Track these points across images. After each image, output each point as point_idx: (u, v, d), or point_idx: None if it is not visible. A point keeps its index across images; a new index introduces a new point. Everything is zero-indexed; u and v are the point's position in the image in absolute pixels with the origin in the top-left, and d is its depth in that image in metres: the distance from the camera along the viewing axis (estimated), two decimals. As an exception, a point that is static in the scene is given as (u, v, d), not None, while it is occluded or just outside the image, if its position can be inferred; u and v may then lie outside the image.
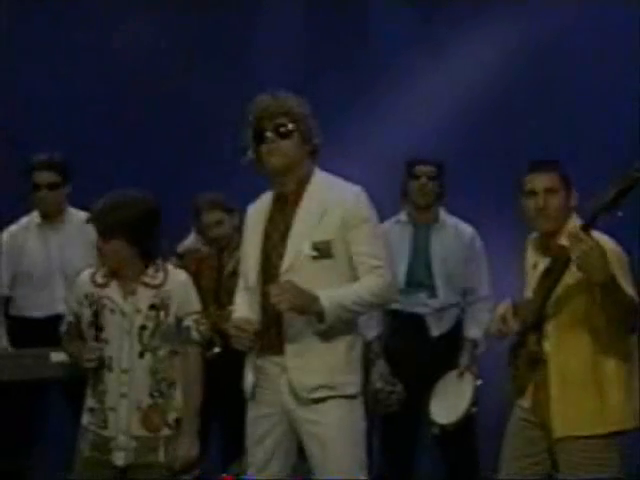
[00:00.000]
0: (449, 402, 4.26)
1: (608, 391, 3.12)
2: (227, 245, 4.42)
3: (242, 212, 4.06)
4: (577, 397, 3.12)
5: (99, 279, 3.41)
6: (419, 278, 4.49)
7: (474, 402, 4.22)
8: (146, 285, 3.37)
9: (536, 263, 3.30)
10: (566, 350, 3.16)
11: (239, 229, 4.20)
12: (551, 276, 3.15)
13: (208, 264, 4.43)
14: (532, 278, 3.29)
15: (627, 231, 3.58)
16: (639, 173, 2.85)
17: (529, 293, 3.30)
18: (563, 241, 3.15)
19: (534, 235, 3.38)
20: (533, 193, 3.24)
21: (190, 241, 4.52)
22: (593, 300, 3.07)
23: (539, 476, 3.25)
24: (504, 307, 3.34)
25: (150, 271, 3.39)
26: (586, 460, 3.10)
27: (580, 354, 3.14)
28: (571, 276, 3.10)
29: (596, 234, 3.08)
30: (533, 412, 3.24)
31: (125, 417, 3.30)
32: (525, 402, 3.27)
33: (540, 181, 3.24)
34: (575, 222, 3.20)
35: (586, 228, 2.94)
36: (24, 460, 4.34)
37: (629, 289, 3.02)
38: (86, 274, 3.46)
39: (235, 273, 4.30)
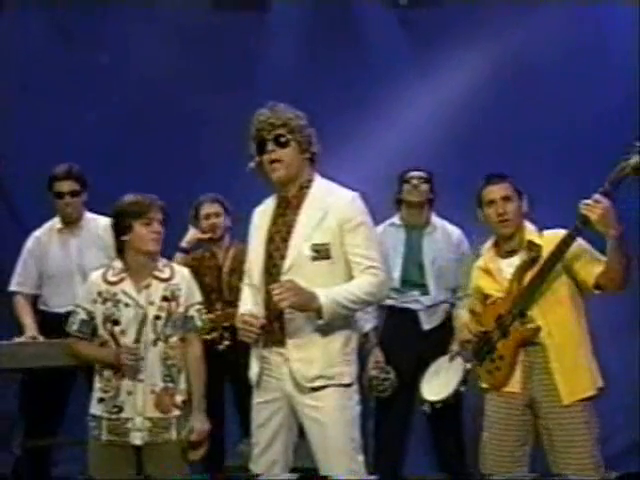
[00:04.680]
0: (440, 382, 4.39)
1: (588, 355, 3.44)
2: (216, 240, 4.67)
3: (235, 216, 4.53)
4: (573, 365, 3.40)
5: (111, 277, 3.54)
6: (412, 277, 4.63)
7: (463, 382, 4.36)
8: (158, 279, 3.53)
9: (499, 267, 3.55)
10: (556, 326, 3.41)
11: (230, 230, 4.63)
12: (537, 267, 3.39)
13: (206, 265, 4.65)
14: (498, 279, 3.53)
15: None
16: None
17: (496, 293, 3.53)
18: (530, 237, 3.49)
19: (487, 245, 3.64)
20: (493, 202, 3.54)
21: (190, 235, 4.72)
22: (571, 278, 3.42)
23: (526, 456, 3.49)
24: (464, 317, 3.60)
25: (160, 266, 3.56)
26: (582, 423, 3.37)
27: (568, 327, 3.41)
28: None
29: (552, 230, 3.45)
30: (522, 395, 3.45)
31: (141, 400, 3.45)
32: (513, 387, 3.47)
33: (497, 191, 3.56)
34: (529, 226, 3.56)
35: (607, 194, 3.23)
36: (52, 439, 4.53)
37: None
38: (97, 274, 3.59)
39: (234, 270, 4.55)
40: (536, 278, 3.40)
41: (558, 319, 3.41)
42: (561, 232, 3.45)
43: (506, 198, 3.53)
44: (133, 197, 3.53)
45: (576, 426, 3.36)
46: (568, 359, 3.39)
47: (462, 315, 3.76)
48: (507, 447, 3.48)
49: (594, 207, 3.21)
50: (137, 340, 3.46)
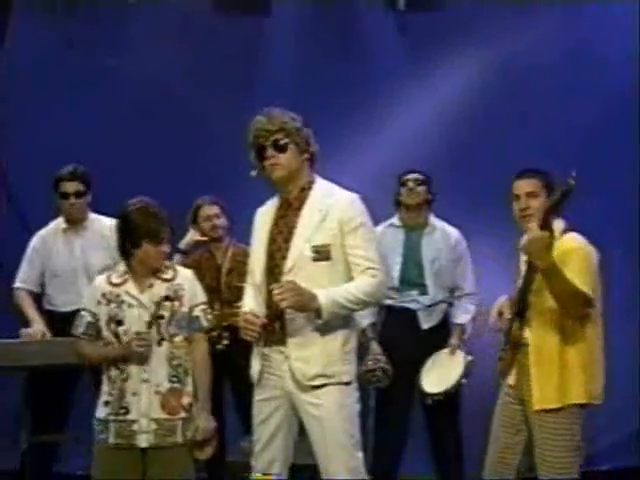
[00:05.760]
0: (441, 375, 4.44)
1: (572, 370, 3.37)
2: (216, 240, 4.72)
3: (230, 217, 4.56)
4: (549, 375, 3.37)
5: (115, 279, 3.55)
6: (411, 277, 4.67)
7: (465, 374, 4.40)
8: (161, 279, 3.54)
9: (527, 260, 3.50)
10: (541, 334, 3.40)
11: (229, 230, 4.69)
12: (532, 270, 3.37)
13: (206, 265, 4.69)
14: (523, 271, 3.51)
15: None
16: (573, 181, 3.13)
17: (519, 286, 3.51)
18: None
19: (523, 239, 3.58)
20: (517, 197, 3.50)
21: (189, 237, 4.77)
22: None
23: (520, 444, 3.49)
24: (501, 302, 3.57)
25: (162, 268, 3.56)
26: (555, 430, 3.36)
27: (551, 338, 3.38)
28: None
29: (572, 235, 3.40)
30: (516, 389, 3.49)
31: (146, 401, 3.43)
32: (510, 380, 3.51)
33: (522, 186, 3.51)
34: (559, 224, 3.45)
35: (543, 225, 3.19)
36: (58, 435, 4.59)
37: (576, 280, 3.26)
38: (102, 278, 3.61)
39: (232, 270, 4.59)
40: (527, 282, 3.40)
41: (542, 326, 3.39)
42: (579, 238, 3.42)
43: (531, 194, 3.46)
44: (145, 212, 3.48)
45: (545, 432, 3.36)
46: (544, 366, 3.37)
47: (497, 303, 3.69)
48: (502, 433, 3.52)
49: (527, 234, 3.20)
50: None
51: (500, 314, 3.52)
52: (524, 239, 3.23)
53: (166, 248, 3.52)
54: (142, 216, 3.48)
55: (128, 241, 3.50)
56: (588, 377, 3.39)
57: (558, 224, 3.43)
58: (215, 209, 4.74)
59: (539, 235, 3.18)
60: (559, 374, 3.36)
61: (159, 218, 3.50)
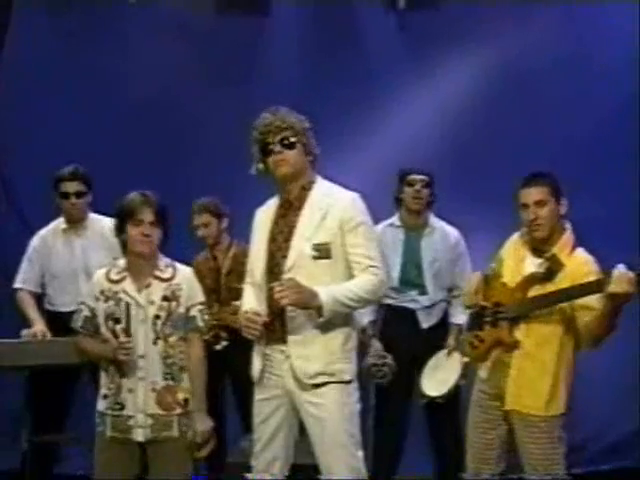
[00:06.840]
0: (439, 377, 4.43)
1: (559, 384, 3.40)
2: (214, 244, 4.67)
3: (231, 216, 4.57)
4: (532, 383, 3.39)
5: (114, 276, 3.54)
6: (411, 277, 4.67)
7: (463, 375, 4.39)
8: (159, 279, 3.51)
9: (524, 257, 3.50)
10: (536, 343, 3.40)
11: (229, 231, 4.65)
12: (550, 288, 3.34)
13: (206, 267, 4.66)
14: (517, 268, 3.49)
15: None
16: None
17: (507, 279, 3.50)
18: (555, 250, 3.41)
19: (525, 230, 3.56)
20: (525, 206, 3.46)
21: None
22: (571, 311, 3.33)
23: (498, 439, 3.49)
24: (476, 279, 3.58)
25: (161, 266, 3.54)
26: (539, 429, 3.39)
27: (550, 349, 3.38)
28: (560, 285, 3.33)
29: (583, 256, 3.38)
30: (489, 383, 3.49)
31: (142, 397, 3.45)
32: (482, 373, 3.52)
33: (530, 195, 3.46)
34: (566, 237, 3.43)
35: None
36: (58, 435, 4.58)
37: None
38: (101, 272, 3.59)
39: (232, 271, 4.56)
40: (543, 299, 3.35)
41: (543, 337, 3.38)
42: (590, 260, 3.37)
43: (539, 202, 3.41)
44: (130, 196, 3.49)
45: (528, 429, 3.39)
46: (530, 374, 3.38)
47: (471, 281, 3.68)
48: (479, 431, 3.52)
49: (622, 280, 3.12)
50: (128, 335, 3.45)
51: (476, 292, 3.52)
52: (625, 284, 3.12)
53: (147, 229, 3.43)
54: (125, 201, 3.48)
55: (118, 229, 3.49)
56: (568, 389, 3.42)
57: (568, 235, 3.43)
58: (204, 218, 4.65)
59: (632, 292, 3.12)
60: (550, 385, 3.37)
61: (140, 200, 3.45)
